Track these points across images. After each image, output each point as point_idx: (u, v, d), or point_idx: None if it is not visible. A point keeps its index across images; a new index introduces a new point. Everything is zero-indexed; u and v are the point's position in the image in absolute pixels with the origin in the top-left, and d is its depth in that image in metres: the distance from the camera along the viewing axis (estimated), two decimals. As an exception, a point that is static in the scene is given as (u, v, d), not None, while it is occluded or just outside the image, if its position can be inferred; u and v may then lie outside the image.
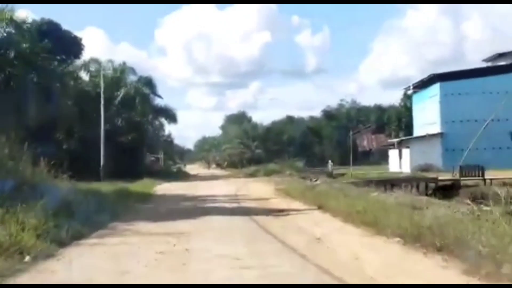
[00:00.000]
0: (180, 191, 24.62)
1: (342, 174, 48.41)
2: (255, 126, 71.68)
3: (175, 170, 59.02)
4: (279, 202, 17.19)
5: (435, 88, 48.38)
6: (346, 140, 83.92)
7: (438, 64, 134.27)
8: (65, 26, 37.69)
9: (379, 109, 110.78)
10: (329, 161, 48.96)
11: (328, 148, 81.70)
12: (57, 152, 31.69)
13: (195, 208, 15.51)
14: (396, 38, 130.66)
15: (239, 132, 71.35)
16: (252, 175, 44.37)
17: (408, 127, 74.99)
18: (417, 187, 28.05)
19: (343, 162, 71.25)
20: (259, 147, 67.85)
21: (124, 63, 41.55)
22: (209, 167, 78.44)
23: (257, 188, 25.72)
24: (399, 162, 50.50)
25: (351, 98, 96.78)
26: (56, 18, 39.97)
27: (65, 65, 35.45)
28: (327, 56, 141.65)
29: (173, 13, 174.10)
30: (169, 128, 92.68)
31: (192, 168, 77.78)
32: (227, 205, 16.61)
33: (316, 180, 25.91)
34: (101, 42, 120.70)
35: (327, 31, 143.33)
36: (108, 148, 34.22)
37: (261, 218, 12.52)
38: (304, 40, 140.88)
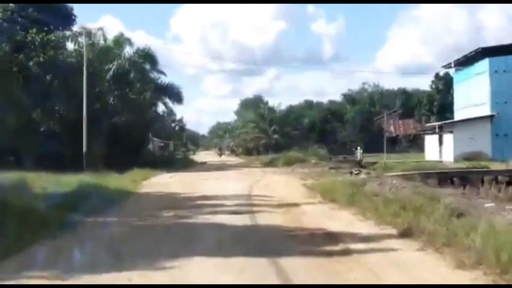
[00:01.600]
0: (176, 187, 18.38)
1: (373, 163, 41.93)
2: (272, 109, 64.69)
3: (181, 157, 52.73)
4: (321, 214, 10.75)
5: (483, 64, 41.37)
6: (371, 125, 77.82)
7: (455, 52, 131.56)
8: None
9: (404, 93, 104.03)
10: (358, 148, 42.20)
11: (351, 134, 74.90)
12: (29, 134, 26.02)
13: (173, 229, 9.23)
14: (412, 27, 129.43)
15: (255, 116, 64.66)
16: (270, 164, 37.95)
17: (442, 111, 68.05)
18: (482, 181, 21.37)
19: (368, 149, 64.86)
20: (277, 132, 61.14)
21: (121, 34, 35.23)
22: (220, 154, 72.05)
23: (280, 184, 19.41)
24: (439, 150, 43.54)
25: (373, 82, 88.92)
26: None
27: (50, 35, 29.17)
28: (343, 45, 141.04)
29: (188, 3, 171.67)
30: (181, 112, 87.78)
31: (203, 155, 71.59)
32: (233, 219, 9.99)
33: (358, 173, 19.31)
34: (117, 31, 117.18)
35: (342, 20, 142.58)
36: (97, 131, 28.09)
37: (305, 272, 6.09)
38: (320, 29, 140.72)
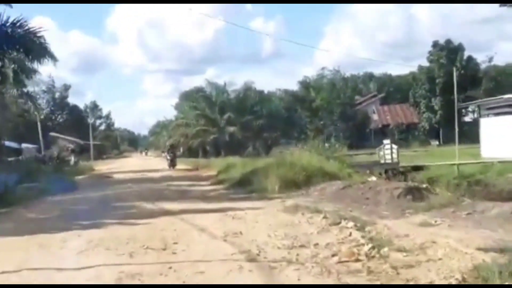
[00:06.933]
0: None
1: (418, 168, 23.74)
2: (222, 89, 44.69)
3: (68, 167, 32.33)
4: None
5: None
6: (353, 114, 59.96)
7: (392, 47, 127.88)
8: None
9: (371, 77, 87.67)
10: (389, 142, 24.03)
11: (328, 125, 56.59)
12: None
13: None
14: (348, 22, 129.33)
15: (199, 101, 44.89)
16: (225, 175, 18.61)
17: (448, 90, 51.13)
18: None
19: (355, 143, 47.08)
20: (232, 122, 41.61)
21: None
22: (146, 154, 52.26)
23: None
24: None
25: (333, 67, 70.52)
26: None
27: None
28: (282, 41, 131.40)
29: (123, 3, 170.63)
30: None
31: (128, 161, 50.96)
32: None
33: None
34: (50, 31, 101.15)
35: (280, 17, 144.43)
36: None
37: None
38: (258, 27, 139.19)
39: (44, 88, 65.68)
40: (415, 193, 10.18)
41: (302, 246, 6.89)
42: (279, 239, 7.36)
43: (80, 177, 26.78)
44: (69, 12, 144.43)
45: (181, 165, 34.03)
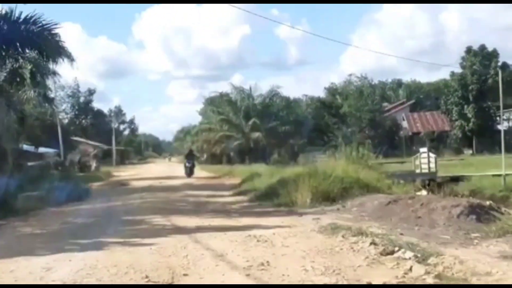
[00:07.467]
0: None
1: (456, 179, 21.76)
2: (247, 94, 42.89)
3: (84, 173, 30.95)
4: None
5: None
6: (382, 121, 57.85)
7: (419, 55, 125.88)
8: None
9: (399, 85, 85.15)
10: (426, 151, 22.13)
11: (356, 132, 54.45)
12: None
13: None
14: (375, 30, 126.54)
15: (222, 105, 43.36)
16: (247, 185, 17.10)
17: (481, 97, 48.82)
18: None
19: (384, 151, 44.77)
20: (257, 127, 39.89)
21: None
22: (170, 160, 51.01)
23: None
24: None
25: (360, 74, 68.88)
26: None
27: None
28: (307, 48, 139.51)
29: (150, 9, 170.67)
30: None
31: (150, 167, 49.72)
32: None
33: None
34: (78, 37, 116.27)
35: (306, 24, 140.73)
36: None
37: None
38: (284, 33, 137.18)
39: (69, 92, 65.18)
40: (480, 213, 8.33)
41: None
42: (319, 274, 5.64)
43: (96, 183, 25.44)
44: (97, 18, 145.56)
45: (203, 172, 32.48)
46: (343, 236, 7.67)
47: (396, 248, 6.54)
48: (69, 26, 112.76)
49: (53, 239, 8.75)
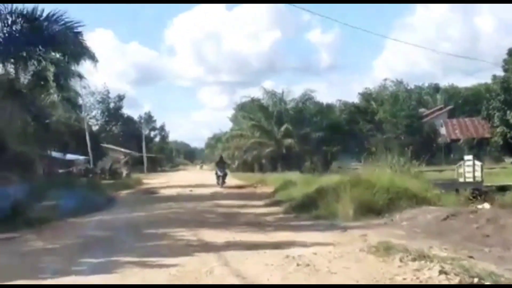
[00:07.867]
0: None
1: (504, 189, 19.91)
2: (279, 98, 41.53)
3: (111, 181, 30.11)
4: None
5: None
6: (419, 127, 55.81)
7: (453, 59, 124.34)
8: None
9: (437, 90, 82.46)
10: (471, 158, 20.52)
11: (391, 139, 52.51)
12: None
13: None
14: (408, 35, 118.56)
15: (255, 111, 42.19)
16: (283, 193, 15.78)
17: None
18: None
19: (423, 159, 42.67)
20: (290, 134, 38.52)
21: None
22: (201, 167, 49.95)
23: None
24: None
25: (395, 78, 66.96)
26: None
27: None
28: (339, 54, 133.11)
29: (181, 14, 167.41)
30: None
31: (178, 175, 48.89)
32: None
33: None
34: (110, 42, 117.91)
35: (337, 29, 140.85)
36: None
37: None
38: (315, 38, 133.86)
39: (98, 98, 64.92)
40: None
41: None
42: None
43: (125, 191, 24.55)
44: (129, 24, 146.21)
45: (234, 180, 31.27)
46: (400, 260, 6.30)
47: (476, 280, 5.16)
48: (101, 32, 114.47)
49: (61, 257, 7.67)
